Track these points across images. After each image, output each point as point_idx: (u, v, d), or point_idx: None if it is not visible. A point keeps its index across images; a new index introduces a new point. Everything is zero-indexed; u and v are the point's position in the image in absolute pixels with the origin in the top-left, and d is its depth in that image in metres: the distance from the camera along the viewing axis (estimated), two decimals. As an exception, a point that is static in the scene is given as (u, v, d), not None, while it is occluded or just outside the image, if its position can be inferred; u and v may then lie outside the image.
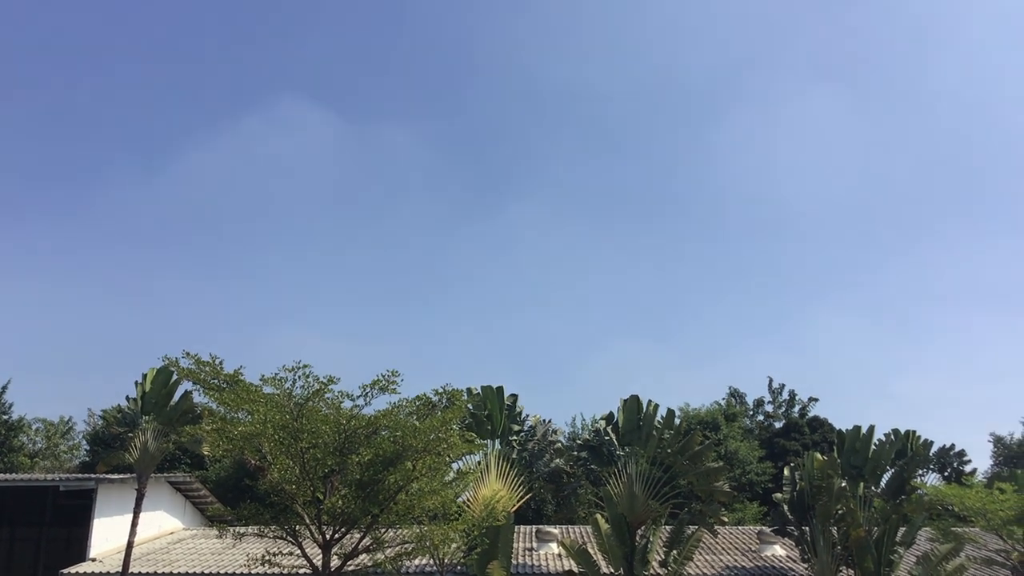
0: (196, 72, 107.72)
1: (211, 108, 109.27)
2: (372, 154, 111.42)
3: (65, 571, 27.65)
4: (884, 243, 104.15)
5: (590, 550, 26.43)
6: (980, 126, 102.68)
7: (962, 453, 38.62)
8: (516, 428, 28.87)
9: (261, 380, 17.91)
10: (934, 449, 29.65)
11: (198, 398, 24.26)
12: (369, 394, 17.91)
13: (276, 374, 17.72)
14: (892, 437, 27.91)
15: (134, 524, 26.14)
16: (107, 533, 29.72)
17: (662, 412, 27.41)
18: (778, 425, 54.85)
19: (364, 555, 18.93)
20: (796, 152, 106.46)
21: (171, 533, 33.94)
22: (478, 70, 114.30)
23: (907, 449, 28.16)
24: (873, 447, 27.12)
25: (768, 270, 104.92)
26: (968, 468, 38.96)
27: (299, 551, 18.58)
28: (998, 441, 50.83)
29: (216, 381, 18.12)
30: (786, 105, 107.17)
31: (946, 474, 37.08)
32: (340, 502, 18.03)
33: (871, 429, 27.47)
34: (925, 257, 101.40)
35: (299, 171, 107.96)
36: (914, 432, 28.85)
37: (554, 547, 29.70)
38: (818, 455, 27.49)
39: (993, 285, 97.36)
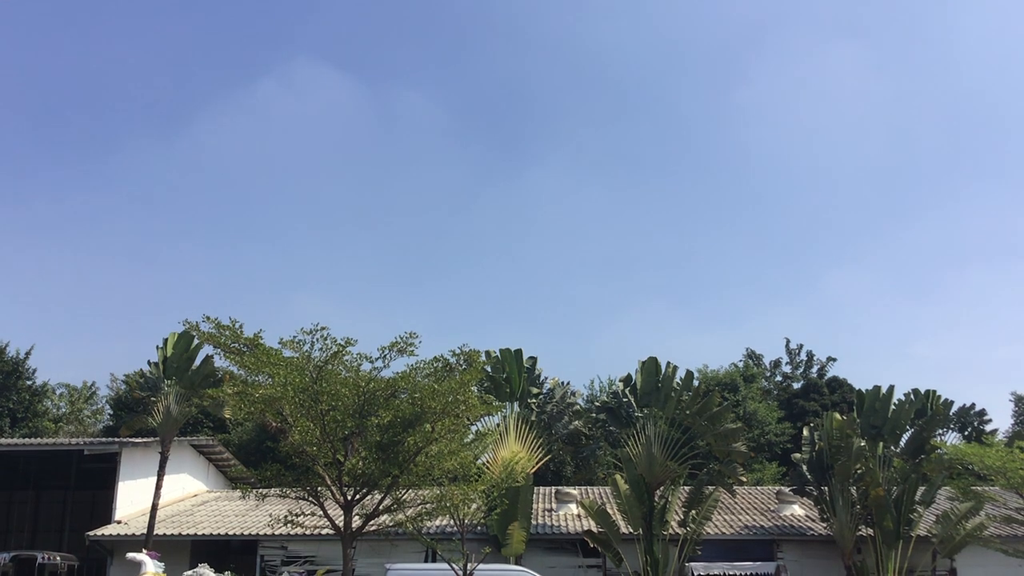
0: (209, 36, 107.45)
1: (225, 72, 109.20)
2: (389, 117, 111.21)
3: (91, 533, 28.07)
4: (906, 204, 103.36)
5: (609, 510, 26.61)
6: (1007, 83, 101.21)
7: (982, 413, 38.42)
8: (535, 391, 29.01)
9: (280, 343, 18.00)
10: (954, 409, 29.56)
11: (219, 362, 24.49)
12: (387, 356, 17.98)
13: (295, 337, 17.82)
14: (912, 397, 27.81)
15: (158, 487, 26.48)
16: (132, 496, 30.13)
17: (680, 374, 27.46)
18: (797, 386, 54.80)
19: (385, 515, 19.11)
20: (818, 112, 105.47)
21: (195, 495, 34.37)
22: (495, 30, 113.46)
23: (927, 409, 28.09)
24: (893, 407, 27.07)
25: (788, 231, 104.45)
26: (989, 428, 38.77)
27: (321, 511, 18.78)
28: (1019, 400, 50.44)
29: (236, 345, 18.21)
30: (809, 64, 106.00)
31: (966, 433, 36.94)
32: (360, 463, 18.17)
33: (891, 389, 27.42)
34: (947, 218, 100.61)
35: (315, 135, 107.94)
36: (934, 392, 28.77)
37: (573, 508, 29.91)
38: (837, 415, 27.48)
39: (1016, 245, 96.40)
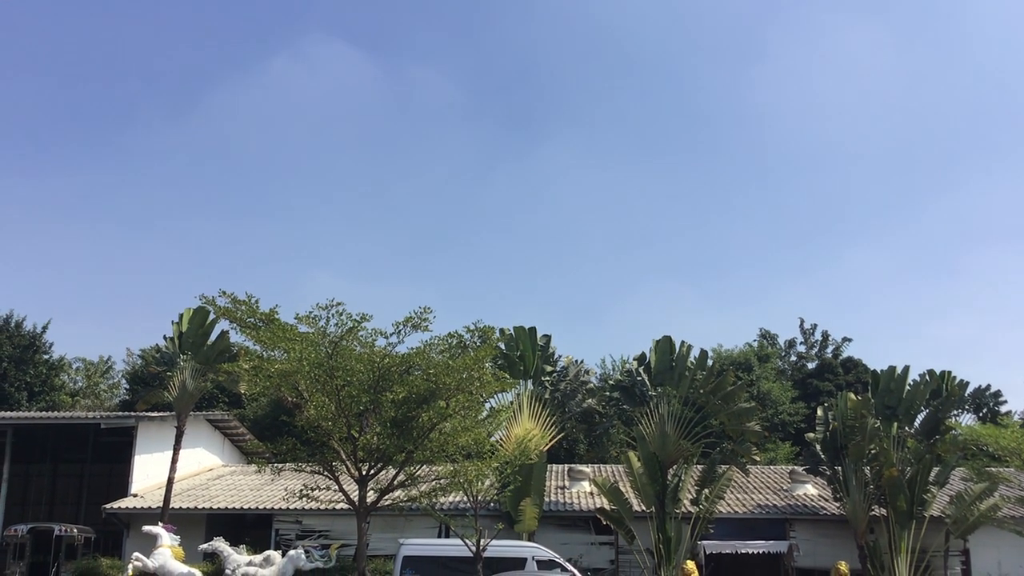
0: (223, 12, 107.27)
1: (238, 48, 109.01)
2: (402, 93, 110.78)
3: (108, 506, 28.31)
4: (923, 183, 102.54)
5: (622, 488, 26.67)
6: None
7: (998, 394, 38.35)
8: (549, 369, 29.02)
9: (296, 319, 18.10)
10: (970, 390, 29.29)
11: (235, 337, 24.59)
12: (402, 331, 18.05)
13: (310, 312, 17.90)
14: (927, 378, 27.69)
15: (174, 460, 26.68)
16: (148, 469, 30.35)
17: (695, 353, 27.44)
18: (811, 366, 54.68)
19: (399, 491, 19.22)
20: (835, 89, 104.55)
21: (210, 469, 34.62)
22: (508, 6, 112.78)
23: (942, 389, 27.95)
24: (907, 387, 26.96)
25: (803, 210, 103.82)
26: (1004, 409, 38.68)
27: (336, 486, 18.90)
28: (1035, 382, 50.36)
29: (252, 319, 18.32)
30: (826, 41, 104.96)
31: (981, 414, 36.86)
32: (375, 439, 18.28)
33: (906, 369, 27.30)
34: (965, 197, 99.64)
35: (329, 111, 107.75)
36: (949, 373, 28.60)
37: (586, 485, 29.96)
38: (851, 395, 27.40)
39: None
